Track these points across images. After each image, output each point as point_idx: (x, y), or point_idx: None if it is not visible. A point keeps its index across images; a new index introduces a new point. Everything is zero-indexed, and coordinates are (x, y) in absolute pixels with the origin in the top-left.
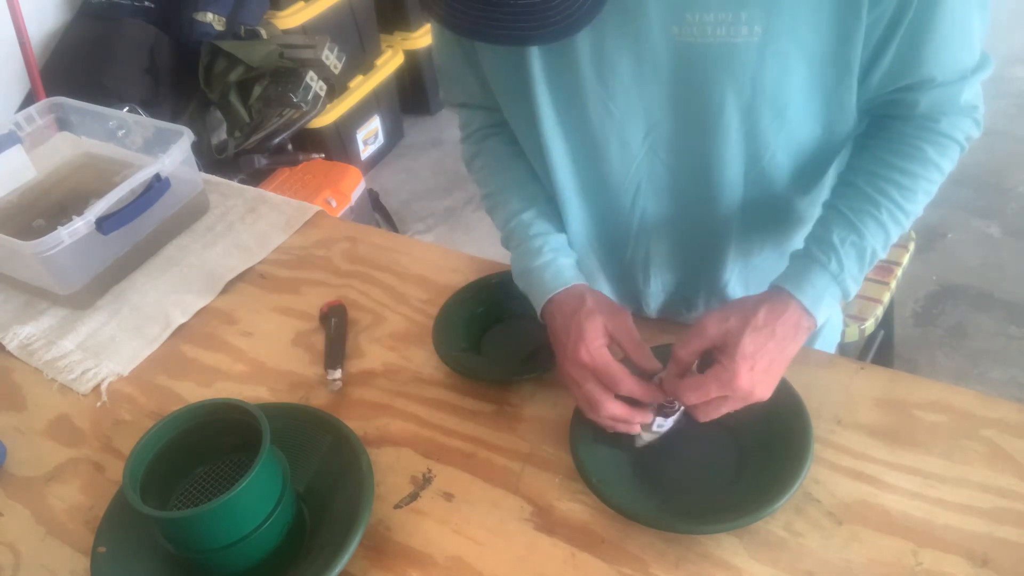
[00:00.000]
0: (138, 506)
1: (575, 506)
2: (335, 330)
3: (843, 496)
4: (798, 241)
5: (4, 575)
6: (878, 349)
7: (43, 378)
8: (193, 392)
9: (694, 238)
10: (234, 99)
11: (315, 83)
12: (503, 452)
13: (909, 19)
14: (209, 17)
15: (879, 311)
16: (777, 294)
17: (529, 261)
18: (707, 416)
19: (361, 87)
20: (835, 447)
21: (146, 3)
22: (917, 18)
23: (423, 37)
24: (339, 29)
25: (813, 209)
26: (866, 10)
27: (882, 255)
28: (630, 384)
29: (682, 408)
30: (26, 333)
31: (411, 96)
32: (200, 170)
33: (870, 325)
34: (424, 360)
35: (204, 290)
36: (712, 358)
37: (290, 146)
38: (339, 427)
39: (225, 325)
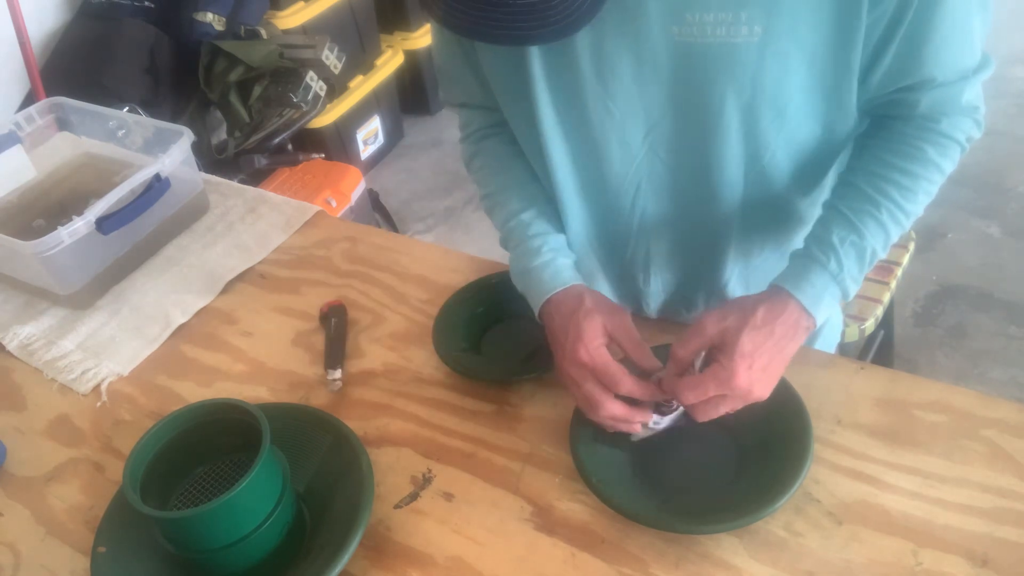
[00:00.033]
0: (138, 506)
1: (575, 506)
2: (335, 330)
3: (843, 496)
4: (798, 241)
5: (4, 575)
6: (878, 349)
7: (43, 378)
8: (193, 392)
9: (694, 238)
10: (234, 99)
11: (315, 83)
12: (503, 452)
13: (909, 19)
14: (209, 17)
15: (879, 311)
16: (776, 293)
17: (528, 261)
18: (706, 415)
19: (361, 87)
20: (835, 447)
21: (146, 3)
22: (917, 18)
23: (423, 37)
24: (339, 29)
25: (813, 209)
26: (866, 10)
27: (882, 255)
28: (629, 384)
29: (681, 407)
30: (26, 333)
31: (411, 96)
32: (200, 170)
33: (870, 325)
34: (424, 360)
35: (204, 290)
36: (712, 358)
37: (290, 146)
38: (339, 427)
39: (225, 325)
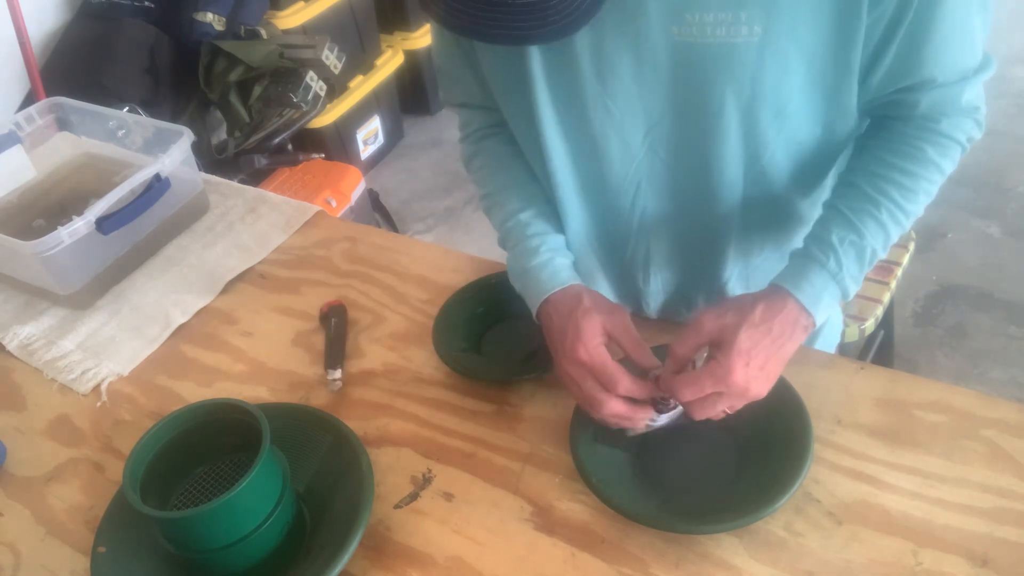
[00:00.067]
0: (138, 506)
1: (575, 506)
2: (335, 330)
3: (843, 496)
4: (799, 241)
5: (4, 575)
6: (878, 349)
7: (43, 378)
8: (193, 392)
9: (694, 237)
10: (234, 99)
11: (315, 83)
12: (503, 452)
13: (909, 19)
14: (209, 17)
15: (879, 311)
16: (775, 292)
17: (526, 261)
18: (703, 413)
19: (361, 87)
20: (835, 447)
21: (146, 3)
22: (917, 18)
23: (423, 37)
24: (339, 29)
25: (814, 210)
26: (866, 10)
27: (882, 255)
28: (628, 384)
29: (680, 407)
30: (26, 333)
31: (411, 96)
32: (200, 170)
33: (870, 325)
34: (424, 360)
35: (204, 290)
36: (711, 356)
37: (290, 146)
38: (339, 427)
39: (225, 325)
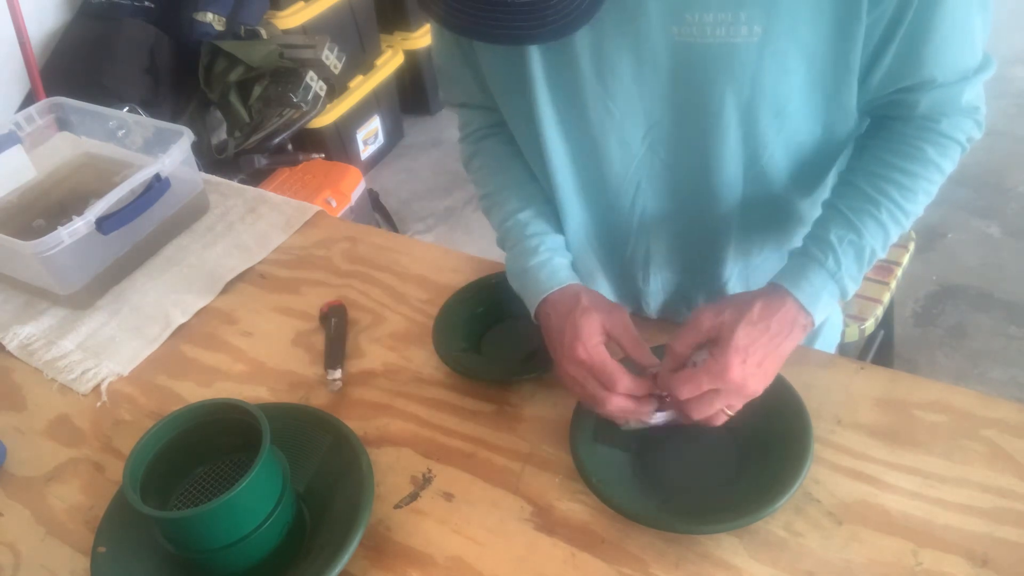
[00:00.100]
0: (138, 506)
1: (575, 506)
2: (335, 330)
3: (843, 496)
4: (798, 241)
5: (4, 575)
6: (878, 349)
7: (43, 378)
8: (193, 392)
9: (694, 237)
10: (234, 99)
11: (315, 83)
12: (503, 452)
13: (909, 19)
14: (209, 17)
15: (879, 311)
16: (774, 290)
17: (525, 260)
18: (700, 412)
19: (361, 87)
20: (835, 447)
21: (146, 3)
22: (917, 18)
23: (423, 37)
24: (339, 29)
25: (814, 209)
26: (866, 10)
27: (882, 255)
28: (627, 382)
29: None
30: (26, 333)
31: (411, 96)
32: (200, 170)
33: (870, 325)
34: (424, 360)
35: (204, 290)
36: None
37: (290, 146)
38: (339, 427)
39: (225, 325)
